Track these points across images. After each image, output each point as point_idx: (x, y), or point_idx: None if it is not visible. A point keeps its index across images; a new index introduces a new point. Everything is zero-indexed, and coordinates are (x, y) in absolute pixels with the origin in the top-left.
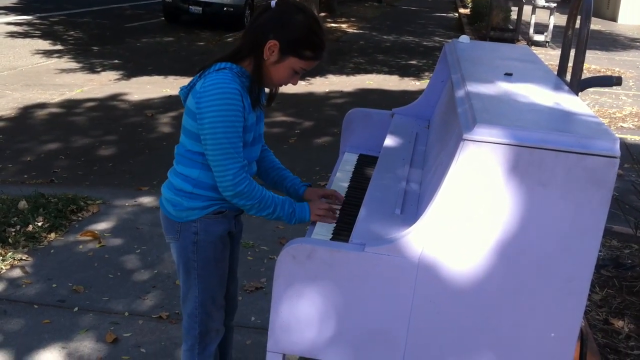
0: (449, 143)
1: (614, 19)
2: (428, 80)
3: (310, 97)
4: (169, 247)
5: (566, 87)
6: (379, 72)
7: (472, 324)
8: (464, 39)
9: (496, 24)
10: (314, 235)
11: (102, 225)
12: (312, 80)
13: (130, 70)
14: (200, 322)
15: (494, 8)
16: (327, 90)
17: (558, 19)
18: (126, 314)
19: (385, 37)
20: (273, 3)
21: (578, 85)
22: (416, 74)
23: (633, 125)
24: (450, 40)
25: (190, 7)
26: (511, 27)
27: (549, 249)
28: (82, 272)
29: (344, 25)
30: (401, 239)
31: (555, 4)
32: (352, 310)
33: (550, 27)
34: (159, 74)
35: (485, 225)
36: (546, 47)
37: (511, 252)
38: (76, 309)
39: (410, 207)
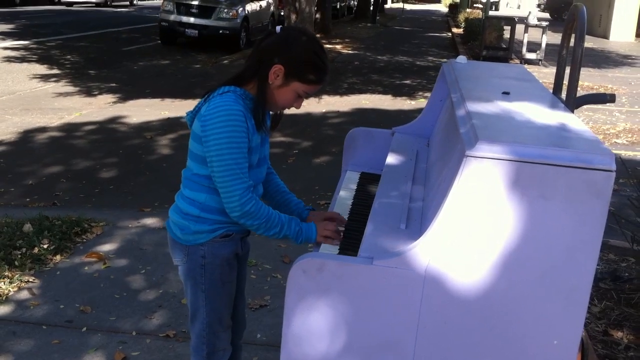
0: (451, 160)
1: (605, 36)
2: (422, 100)
3: (307, 117)
4: (173, 267)
5: (562, 105)
6: (373, 91)
7: (478, 333)
8: (461, 59)
9: (489, 43)
10: (321, 250)
11: (106, 247)
12: (308, 100)
13: (128, 93)
14: (208, 342)
15: (487, 27)
16: (324, 110)
17: (550, 37)
18: (134, 333)
19: (379, 57)
20: (278, 28)
21: (573, 102)
22: (410, 93)
23: (627, 141)
24: (447, 60)
25: (186, 30)
26: (504, 46)
27: (551, 260)
28: (88, 292)
29: (338, 46)
30: (408, 252)
31: (547, 23)
32: (362, 322)
33: (543, 45)
34: (156, 97)
35: (488, 237)
36: (539, 65)
37: (514, 263)
38: (84, 328)
39: (415, 222)
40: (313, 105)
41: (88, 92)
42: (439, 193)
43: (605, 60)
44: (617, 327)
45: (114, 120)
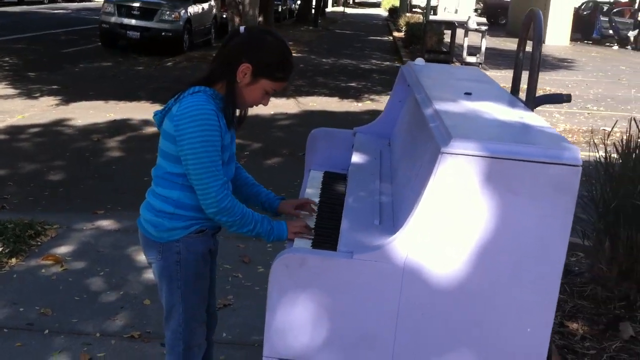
0: (422, 157)
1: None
2: (369, 102)
3: (256, 119)
4: (132, 268)
5: (522, 104)
6: (319, 94)
7: (456, 323)
8: (420, 61)
9: (430, 47)
10: (295, 246)
11: (62, 249)
12: None
13: (70, 96)
14: (184, 338)
15: (428, 31)
16: (272, 112)
17: (489, 42)
18: (97, 334)
19: (324, 60)
20: (242, 29)
21: (533, 102)
22: (356, 95)
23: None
24: (405, 63)
25: (128, 32)
26: (445, 50)
27: (522, 251)
28: (47, 295)
29: None
30: (387, 246)
31: (486, 27)
32: (342, 315)
33: (483, 49)
34: (100, 99)
35: (463, 230)
36: (479, 67)
37: (488, 254)
38: (46, 331)
39: (387, 218)
40: (261, 107)
41: (29, 95)
42: (411, 189)
43: (543, 63)
44: (572, 318)
45: (58, 122)
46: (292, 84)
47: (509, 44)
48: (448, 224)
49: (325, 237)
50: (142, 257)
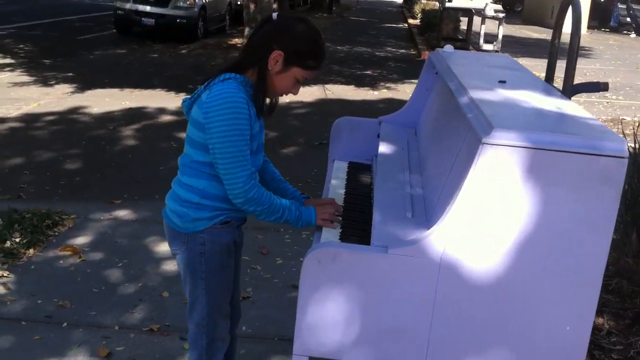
0: (458, 147)
1: None
2: (385, 90)
3: None
4: (150, 260)
5: (559, 93)
6: (335, 82)
7: (491, 319)
8: (448, 48)
9: (446, 34)
10: (322, 240)
11: (80, 240)
12: None
13: (86, 83)
14: (207, 331)
15: (445, 18)
16: (287, 101)
17: (506, 29)
18: (116, 327)
19: (339, 47)
20: (274, 15)
21: (571, 90)
22: (372, 83)
23: None
24: (434, 50)
25: (142, 19)
26: (461, 37)
27: (563, 246)
28: (65, 287)
29: None
30: (423, 240)
31: (503, 14)
32: (376, 310)
33: (500, 36)
34: (115, 87)
35: (502, 224)
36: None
37: (528, 249)
38: (65, 324)
39: (419, 211)
40: None
41: (45, 82)
42: (445, 180)
43: (560, 51)
44: (597, 313)
45: (74, 110)
46: None
47: (525, 31)
48: (487, 217)
49: (353, 228)
50: (160, 248)
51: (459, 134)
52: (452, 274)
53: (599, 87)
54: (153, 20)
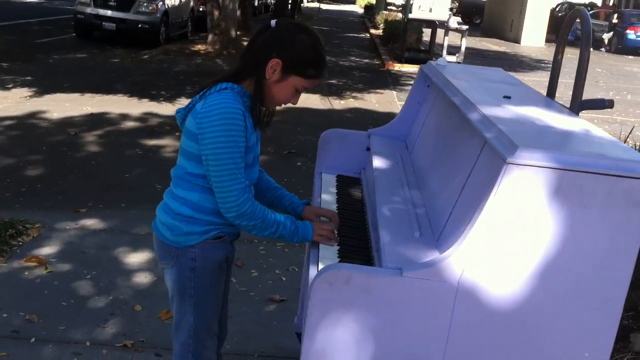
0: (472, 166)
1: (517, 40)
2: (351, 99)
3: None
4: (120, 272)
5: (566, 109)
6: None
7: (509, 345)
8: (442, 61)
9: (410, 45)
10: (321, 259)
11: (45, 250)
12: None
13: (45, 87)
14: (194, 351)
15: (408, 30)
16: None
17: (469, 42)
18: (88, 343)
19: None
20: (273, 22)
21: (579, 107)
22: (338, 93)
23: None
24: (427, 63)
25: (103, 23)
26: (423, 49)
27: (587, 270)
28: (32, 300)
29: None
30: (441, 263)
31: (466, 27)
32: (389, 335)
33: (462, 48)
34: (75, 92)
35: (526, 247)
36: None
37: (551, 273)
38: (33, 339)
39: (425, 229)
40: None
41: (1, 86)
42: (460, 199)
43: (520, 64)
44: None
45: (33, 115)
46: None
47: (485, 43)
48: (509, 240)
49: (351, 246)
50: (130, 260)
51: (470, 151)
52: (470, 298)
53: (604, 103)
54: (114, 24)
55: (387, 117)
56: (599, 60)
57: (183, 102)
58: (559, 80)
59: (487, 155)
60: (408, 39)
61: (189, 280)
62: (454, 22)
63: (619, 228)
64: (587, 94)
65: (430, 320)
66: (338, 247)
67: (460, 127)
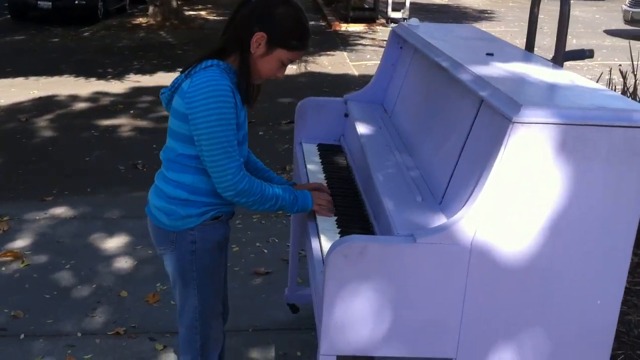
0: (469, 126)
1: None
2: (303, 64)
3: None
4: (99, 258)
5: (550, 63)
6: None
7: (523, 301)
8: (414, 21)
9: (354, 4)
10: (322, 231)
11: (19, 243)
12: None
13: None
14: (201, 333)
15: None
16: None
17: None
18: (79, 334)
19: None
20: None
21: (562, 59)
22: None
23: None
24: (397, 24)
25: (38, 2)
26: (367, 7)
27: (595, 221)
28: (14, 295)
29: (203, 13)
30: (453, 226)
31: None
32: (406, 302)
33: (407, 4)
34: (19, 75)
35: (534, 203)
36: (404, 23)
37: (560, 227)
38: (22, 335)
39: (425, 193)
40: None
41: None
42: (461, 161)
43: (464, 15)
44: None
45: None
46: None
47: None
48: (519, 198)
49: (347, 215)
50: (107, 245)
51: (464, 112)
52: (484, 258)
53: (585, 54)
54: (50, 3)
55: (342, 78)
56: (541, 6)
57: (133, 78)
58: (504, 29)
59: (486, 115)
60: None
61: (190, 263)
62: None
63: (622, 178)
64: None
65: (446, 284)
66: (335, 218)
67: (449, 87)
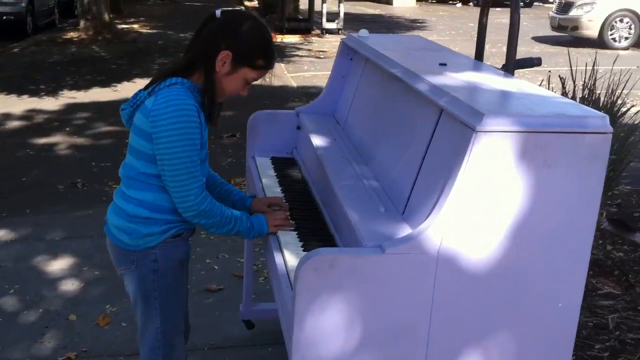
0: (429, 136)
1: (389, 2)
2: (268, 80)
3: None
4: (44, 281)
5: (501, 72)
6: None
7: (489, 307)
8: (364, 32)
9: (289, 15)
10: (284, 245)
11: None
12: (119, 86)
13: None
14: (164, 354)
15: None
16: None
17: (347, 7)
18: None
19: (182, 35)
20: (218, 12)
21: (513, 68)
22: None
23: None
24: (345, 35)
25: None
26: (302, 17)
27: (557, 224)
28: None
29: (135, 26)
30: (420, 236)
31: None
32: (375, 313)
33: (341, 14)
34: None
35: (499, 210)
36: (339, 33)
37: (523, 232)
38: None
39: (388, 204)
40: (126, 91)
41: None
42: (423, 171)
43: (397, 25)
44: None
45: None
46: (155, 62)
47: (360, 7)
48: (482, 205)
49: (307, 228)
50: (52, 268)
51: (423, 122)
52: (450, 265)
53: (533, 62)
54: None
55: (281, 90)
56: (469, 15)
57: (67, 94)
58: (437, 38)
59: (447, 124)
60: (287, 9)
61: (152, 282)
62: None
63: (583, 181)
64: (466, 48)
65: (414, 292)
66: (296, 232)
67: (405, 98)
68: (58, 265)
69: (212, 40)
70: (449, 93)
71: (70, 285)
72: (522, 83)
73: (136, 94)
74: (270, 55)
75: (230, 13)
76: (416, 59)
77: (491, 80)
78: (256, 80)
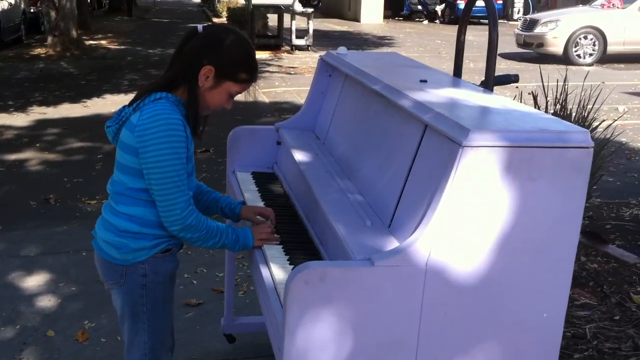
0: (413, 151)
1: (356, 19)
2: (252, 94)
3: (97, 118)
4: (21, 298)
5: (481, 88)
6: None
7: (477, 318)
8: (342, 49)
9: (258, 32)
10: (270, 259)
11: None
12: (89, 102)
13: None
14: None
15: (255, 16)
16: (112, 110)
17: (315, 24)
18: None
19: (150, 51)
20: (200, 27)
21: (492, 85)
22: None
23: None
24: (326, 53)
25: None
26: (270, 34)
27: (541, 236)
28: None
29: (103, 42)
30: (409, 248)
31: (312, 10)
32: (365, 325)
33: (310, 31)
34: None
35: (485, 223)
36: (308, 50)
37: (510, 244)
38: None
39: (374, 218)
40: (97, 106)
41: None
42: (409, 185)
43: (365, 42)
44: None
45: None
46: (124, 78)
47: (328, 24)
48: (469, 218)
49: (292, 242)
50: (27, 284)
51: (407, 137)
52: (439, 278)
53: (510, 79)
54: None
55: (254, 105)
56: (436, 32)
57: (37, 110)
58: (405, 54)
59: (433, 140)
60: (256, 26)
61: (141, 297)
62: (299, 5)
63: (566, 194)
64: (435, 65)
65: (402, 304)
66: (281, 245)
67: (388, 114)
68: (34, 281)
69: (194, 56)
70: (433, 109)
71: (47, 302)
72: (503, 99)
73: (120, 111)
74: (253, 69)
75: (212, 28)
76: (397, 76)
77: (473, 97)
78: (240, 93)
